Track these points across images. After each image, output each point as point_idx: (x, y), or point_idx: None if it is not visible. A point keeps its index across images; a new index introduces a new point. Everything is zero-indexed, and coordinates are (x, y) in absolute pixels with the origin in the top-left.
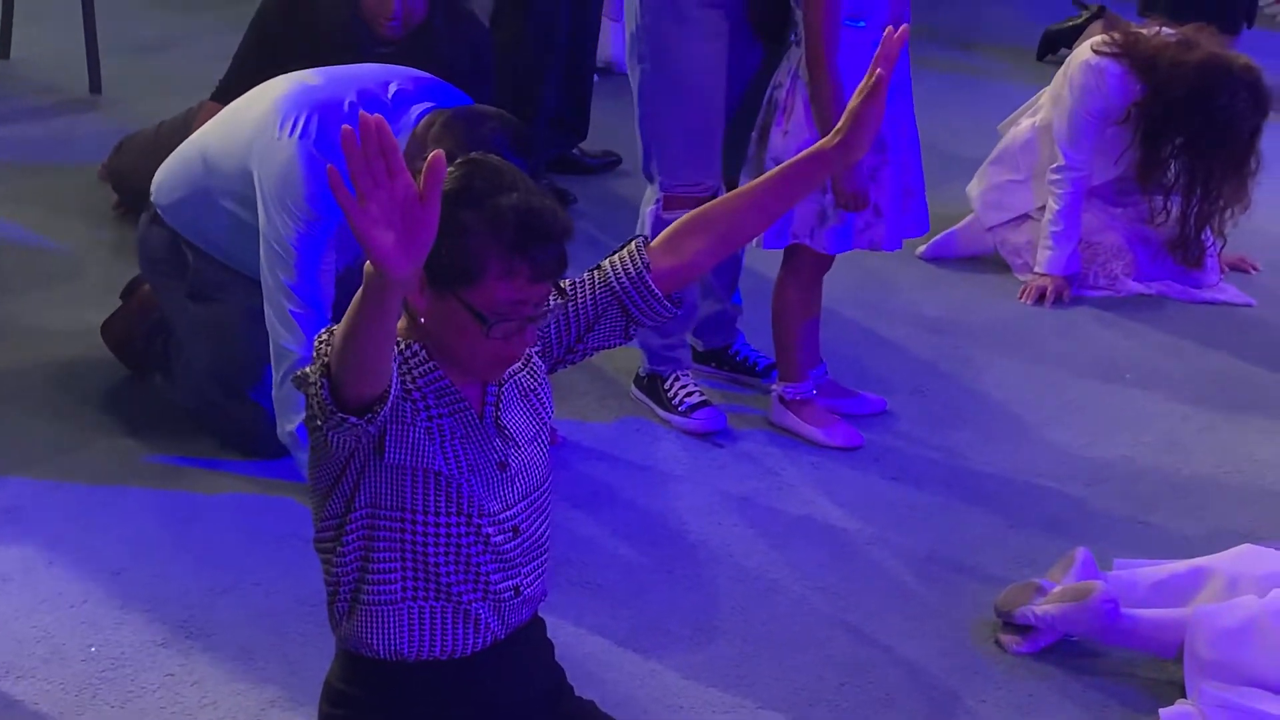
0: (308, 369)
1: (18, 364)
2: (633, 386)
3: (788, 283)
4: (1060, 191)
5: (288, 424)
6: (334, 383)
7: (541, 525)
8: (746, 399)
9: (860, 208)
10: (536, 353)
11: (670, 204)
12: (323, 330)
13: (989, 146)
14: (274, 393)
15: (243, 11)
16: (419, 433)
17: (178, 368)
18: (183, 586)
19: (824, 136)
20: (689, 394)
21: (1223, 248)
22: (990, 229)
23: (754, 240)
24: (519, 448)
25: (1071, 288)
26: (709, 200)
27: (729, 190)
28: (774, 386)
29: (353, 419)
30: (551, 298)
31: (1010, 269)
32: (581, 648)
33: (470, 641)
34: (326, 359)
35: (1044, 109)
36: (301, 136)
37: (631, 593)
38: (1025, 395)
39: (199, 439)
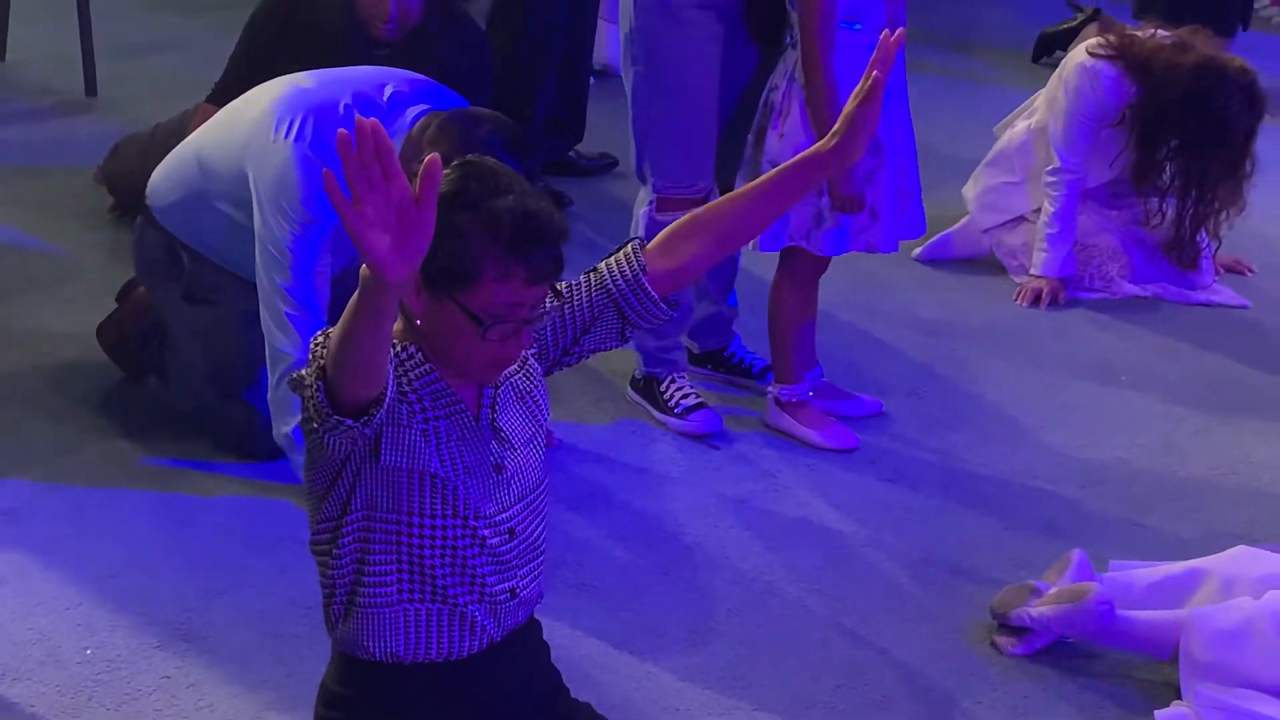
0: (303, 371)
1: (12, 366)
2: (629, 389)
3: (784, 285)
4: (1055, 194)
5: (283, 426)
6: (330, 385)
7: (537, 527)
8: (742, 401)
9: (856, 210)
10: (533, 355)
11: (663, 205)
12: (318, 333)
13: (985, 149)
14: (269, 395)
15: (238, 14)
16: (415, 435)
17: (173, 370)
18: (179, 589)
19: (820, 139)
20: (685, 396)
21: (1218, 250)
22: (986, 231)
23: (750, 243)
24: (515, 450)
25: (1067, 290)
26: (702, 202)
27: (723, 193)
28: (770, 388)
29: (348, 421)
30: (548, 300)
31: (1006, 271)
32: (578, 650)
33: (466, 644)
34: (322, 361)
35: (1039, 111)
36: (297, 139)
37: (628, 595)
38: (1021, 397)
39: (194, 441)
